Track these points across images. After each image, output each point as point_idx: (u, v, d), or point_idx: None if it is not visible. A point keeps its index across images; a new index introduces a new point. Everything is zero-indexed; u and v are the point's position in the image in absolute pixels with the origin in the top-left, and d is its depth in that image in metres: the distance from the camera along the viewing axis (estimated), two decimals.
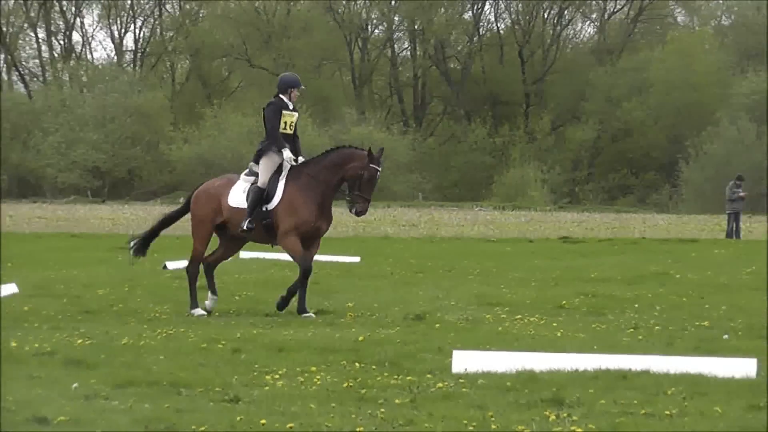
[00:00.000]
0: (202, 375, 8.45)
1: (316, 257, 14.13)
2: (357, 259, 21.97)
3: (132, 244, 14.58)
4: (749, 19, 77.64)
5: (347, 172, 13.22)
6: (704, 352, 9.82)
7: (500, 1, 79.87)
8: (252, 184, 13.27)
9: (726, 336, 11.28)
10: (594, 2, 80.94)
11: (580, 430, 6.70)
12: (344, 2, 78.80)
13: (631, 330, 11.71)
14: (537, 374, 8.57)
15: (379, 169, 13.18)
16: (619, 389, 8.01)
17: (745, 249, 28.07)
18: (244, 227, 13.17)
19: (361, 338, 10.69)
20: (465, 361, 8.87)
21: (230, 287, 15.35)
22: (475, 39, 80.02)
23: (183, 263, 15.34)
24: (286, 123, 13.27)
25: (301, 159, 13.30)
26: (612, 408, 7.36)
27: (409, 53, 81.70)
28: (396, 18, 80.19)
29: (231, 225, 13.46)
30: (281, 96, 13.39)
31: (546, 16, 79.37)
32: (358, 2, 79.84)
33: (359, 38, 79.17)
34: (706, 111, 69.93)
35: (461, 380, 8.40)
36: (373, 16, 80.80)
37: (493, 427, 6.83)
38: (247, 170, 13.52)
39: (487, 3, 79.90)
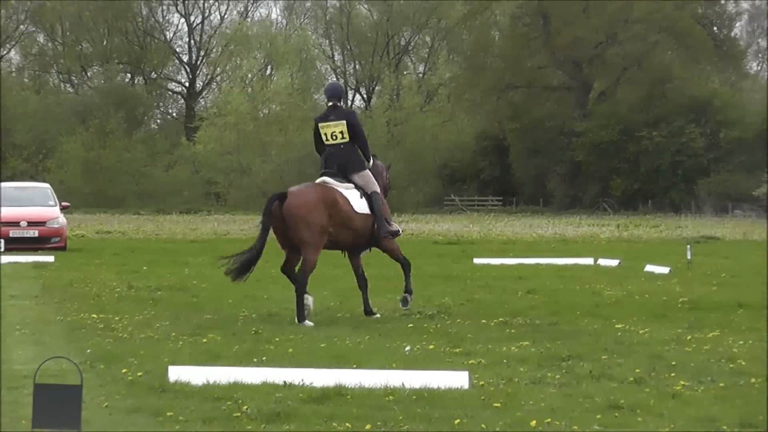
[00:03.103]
0: None
1: None
2: None
3: (229, 268, 14.18)
4: None
5: (382, 181, 15.03)
6: None
7: None
8: (356, 189, 14.40)
9: None
10: None
11: None
12: None
13: None
14: None
15: None
16: None
17: None
18: (400, 231, 15.10)
19: None
20: None
21: None
22: None
23: None
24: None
25: None
26: None
27: None
28: None
29: (358, 231, 14.36)
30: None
31: None
32: None
33: None
34: None
35: None
36: None
37: None
38: (333, 178, 14.33)
39: None
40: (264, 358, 10.65)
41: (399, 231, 15.03)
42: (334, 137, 14.41)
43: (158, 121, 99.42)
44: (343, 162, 14.44)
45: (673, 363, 10.25)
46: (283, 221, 13.96)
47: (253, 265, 14.21)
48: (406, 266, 14.91)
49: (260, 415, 8.05)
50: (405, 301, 14.76)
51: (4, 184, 32.71)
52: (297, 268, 14.24)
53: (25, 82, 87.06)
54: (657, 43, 78.44)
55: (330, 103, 14.67)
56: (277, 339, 12.02)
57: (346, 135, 14.37)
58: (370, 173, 14.66)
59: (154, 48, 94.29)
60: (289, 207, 13.87)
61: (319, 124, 14.59)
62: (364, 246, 14.83)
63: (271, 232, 14.07)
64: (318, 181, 14.52)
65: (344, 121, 14.38)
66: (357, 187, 14.46)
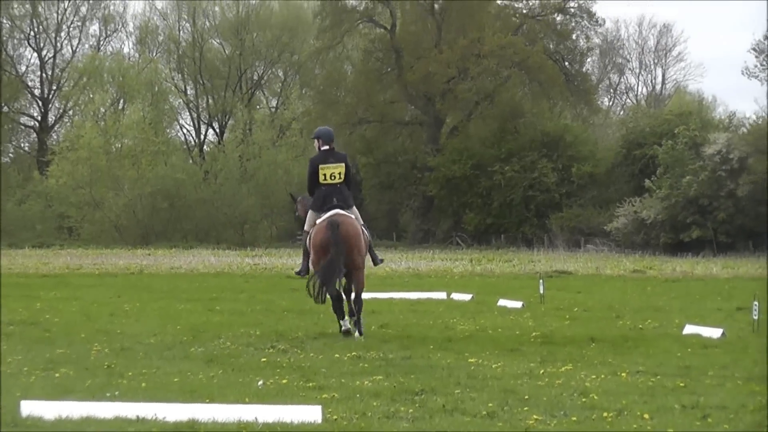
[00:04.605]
0: None
1: None
2: None
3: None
4: None
5: None
6: None
7: None
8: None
9: None
10: None
11: None
12: None
13: None
14: None
15: None
16: None
17: None
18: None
19: None
20: None
21: None
22: None
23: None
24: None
25: None
26: None
27: None
28: None
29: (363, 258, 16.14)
30: None
31: None
32: None
33: None
34: None
35: None
36: None
37: None
38: (344, 210, 16.03)
39: None
40: (117, 393, 10.54)
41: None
42: (333, 177, 16.15)
43: (10, 155, 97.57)
44: (342, 199, 16.13)
45: (526, 397, 10.40)
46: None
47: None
48: (360, 303, 16.25)
49: None
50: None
51: None
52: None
53: None
54: (508, 78, 79.76)
55: (326, 147, 16.27)
56: (129, 373, 11.91)
57: (343, 176, 16.17)
58: (356, 209, 16.49)
59: (6, 82, 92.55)
60: (347, 236, 15.67)
61: (320, 166, 16.18)
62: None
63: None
64: (333, 212, 15.96)
65: (343, 164, 16.22)
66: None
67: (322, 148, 16.29)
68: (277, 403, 9.67)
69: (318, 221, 16.10)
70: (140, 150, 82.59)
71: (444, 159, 77.03)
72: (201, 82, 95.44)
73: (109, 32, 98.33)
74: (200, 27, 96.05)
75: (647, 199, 63.25)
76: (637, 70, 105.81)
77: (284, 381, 11.43)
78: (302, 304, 22.46)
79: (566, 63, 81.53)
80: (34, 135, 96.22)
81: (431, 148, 79.34)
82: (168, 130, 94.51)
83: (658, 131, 69.36)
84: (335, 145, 16.53)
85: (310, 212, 16.46)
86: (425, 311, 20.99)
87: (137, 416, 9.18)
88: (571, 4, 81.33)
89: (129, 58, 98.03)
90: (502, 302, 22.89)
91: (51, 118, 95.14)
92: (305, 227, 16.67)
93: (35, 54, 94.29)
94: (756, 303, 16.62)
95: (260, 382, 11.26)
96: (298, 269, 17.09)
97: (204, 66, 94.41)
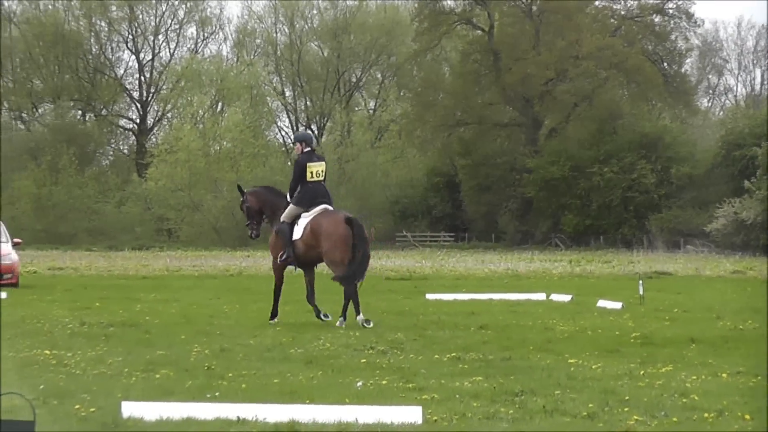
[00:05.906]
0: None
1: None
2: None
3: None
4: None
5: None
6: None
7: None
8: None
9: None
10: None
11: None
12: None
13: None
14: None
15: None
16: None
17: None
18: None
19: None
20: None
21: None
22: None
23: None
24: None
25: None
26: None
27: None
28: None
29: None
30: None
31: None
32: None
33: None
34: None
35: None
36: None
37: None
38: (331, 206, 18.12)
39: None
40: (217, 394, 10.63)
41: None
42: (318, 175, 17.91)
43: (110, 157, 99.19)
44: (327, 195, 18.03)
45: (626, 398, 10.30)
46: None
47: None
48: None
49: None
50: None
51: None
52: None
53: None
54: (607, 79, 79.16)
55: (308, 148, 18.10)
56: (230, 375, 12.00)
57: (325, 173, 18.01)
58: None
59: (105, 85, 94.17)
60: (360, 231, 17.54)
61: (308, 164, 17.90)
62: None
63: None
64: (320, 207, 17.86)
65: (324, 162, 18.14)
66: None
67: (305, 150, 18.09)
68: (377, 404, 9.67)
69: (316, 212, 17.82)
70: (239, 152, 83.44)
71: (542, 161, 76.66)
72: (299, 84, 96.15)
73: (206, 35, 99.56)
74: (298, 30, 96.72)
75: (747, 200, 62.28)
76: (736, 71, 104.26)
77: (384, 382, 11.44)
78: (401, 306, 22.51)
79: (665, 64, 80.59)
80: (133, 138, 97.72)
81: (529, 150, 79.02)
82: (266, 133, 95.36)
83: (757, 132, 68.28)
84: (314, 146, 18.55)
85: (292, 206, 18.01)
86: (524, 312, 20.88)
87: (238, 417, 9.25)
88: (670, 5, 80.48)
89: (227, 61, 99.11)
90: (601, 303, 22.69)
91: (150, 120, 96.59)
92: (283, 218, 18.15)
93: (133, 57, 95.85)
94: None
95: (359, 383, 11.28)
96: (284, 257, 18.69)
97: (302, 68, 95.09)
